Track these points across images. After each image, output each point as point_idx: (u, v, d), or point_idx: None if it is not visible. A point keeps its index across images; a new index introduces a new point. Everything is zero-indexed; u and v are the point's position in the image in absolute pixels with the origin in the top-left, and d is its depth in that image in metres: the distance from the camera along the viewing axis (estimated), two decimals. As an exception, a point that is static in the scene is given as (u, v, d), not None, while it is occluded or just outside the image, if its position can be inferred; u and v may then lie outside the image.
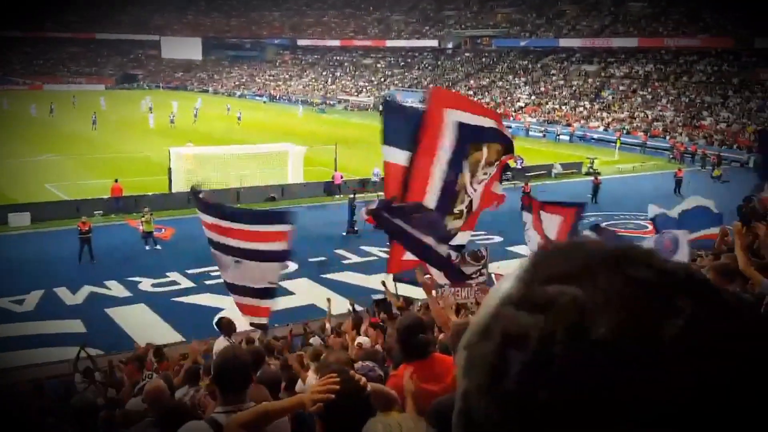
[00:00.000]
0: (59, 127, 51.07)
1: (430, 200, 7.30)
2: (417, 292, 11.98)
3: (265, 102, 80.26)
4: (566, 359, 0.54)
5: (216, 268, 10.62)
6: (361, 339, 8.93)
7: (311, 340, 11.98)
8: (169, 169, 28.68)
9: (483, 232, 20.96)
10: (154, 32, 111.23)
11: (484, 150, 7.60)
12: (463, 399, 0.62)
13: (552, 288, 0.59)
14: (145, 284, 18.67)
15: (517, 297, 0.60)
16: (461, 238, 8.41)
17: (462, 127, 7.27)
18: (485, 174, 7.79)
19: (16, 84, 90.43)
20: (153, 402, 4.93)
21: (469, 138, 7.35)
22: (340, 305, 14.82)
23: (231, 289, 9.23)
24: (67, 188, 29.63)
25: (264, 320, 9.28)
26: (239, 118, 55.97)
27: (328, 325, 12.55)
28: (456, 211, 7.56)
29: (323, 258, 21.03)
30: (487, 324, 0.61)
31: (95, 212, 25.02)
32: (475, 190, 7.76)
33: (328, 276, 19.52)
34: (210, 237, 9.02)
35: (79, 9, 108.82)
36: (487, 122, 7.72)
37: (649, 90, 58.29)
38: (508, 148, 8.12)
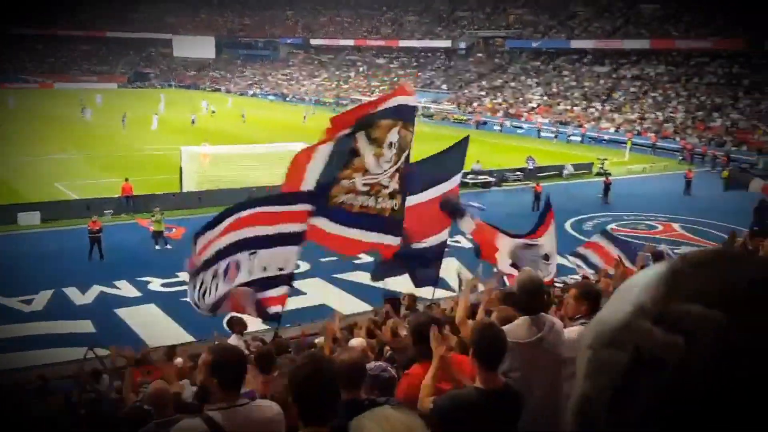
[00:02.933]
0: (70, 125, 51.27)
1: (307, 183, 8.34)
2: (423, 291, 11.95)
3: (271, 101, 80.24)
4: (704, 394, 0.49)
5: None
6: (354, 341, 8.60)
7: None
8: (181, 168, 28.69)
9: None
10: (166, 31, 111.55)
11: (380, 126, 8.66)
12: (582, 402, 0.59)
13: (693, 309, 0.53)
14: (155, 284, 18.60)
15: (654, 311, 0.55)
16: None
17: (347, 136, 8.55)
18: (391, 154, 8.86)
19: (26, 82, 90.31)
20: (156, 404, 4.88)
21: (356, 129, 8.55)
22: (353, 306, 14.84)
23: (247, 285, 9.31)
24: (77, 187, 29.67)
25: (279, 309, 9.44)
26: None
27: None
28: (348, 173, 8.61)
29: (335, 258, 20.93)
30: (619, 331, 0.57)
31: (105, 211, 25.03)
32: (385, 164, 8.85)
33: (340, 276, 19.45)
34: (211, 249, 9.00)
35: (91, 7, 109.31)
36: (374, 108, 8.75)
37: (660, 92, 58.11)
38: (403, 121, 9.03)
